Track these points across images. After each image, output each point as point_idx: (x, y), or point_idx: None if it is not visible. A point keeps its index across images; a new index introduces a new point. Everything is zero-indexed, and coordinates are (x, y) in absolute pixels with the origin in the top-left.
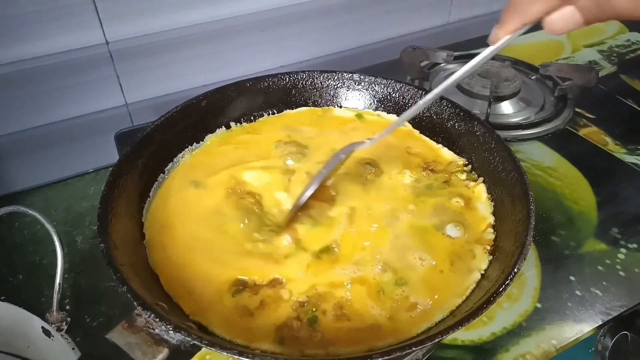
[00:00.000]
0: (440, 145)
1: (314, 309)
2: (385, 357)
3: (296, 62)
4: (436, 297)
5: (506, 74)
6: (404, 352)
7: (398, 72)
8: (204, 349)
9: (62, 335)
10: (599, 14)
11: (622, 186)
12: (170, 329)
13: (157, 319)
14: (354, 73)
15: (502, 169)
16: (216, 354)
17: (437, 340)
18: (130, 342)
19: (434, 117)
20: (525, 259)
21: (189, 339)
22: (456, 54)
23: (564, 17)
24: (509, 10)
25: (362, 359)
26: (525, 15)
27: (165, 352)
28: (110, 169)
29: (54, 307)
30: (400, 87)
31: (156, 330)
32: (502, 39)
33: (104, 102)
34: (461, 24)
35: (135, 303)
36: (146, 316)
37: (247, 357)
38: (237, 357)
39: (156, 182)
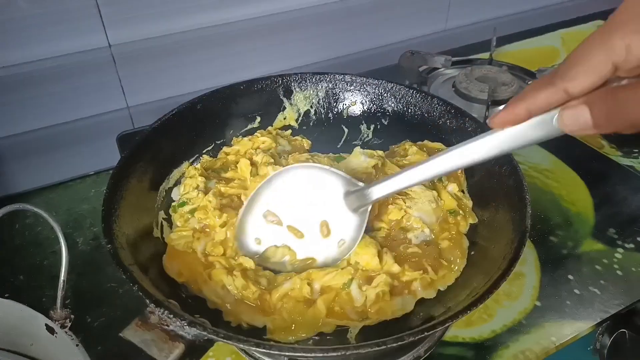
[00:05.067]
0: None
1: None
2: (398, 343)
3: (296, 67)
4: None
5: (503, 78)
6: (417, 337)
7: (397, 76)
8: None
9: (65, 332)
10: (610, 126)
11: (617, 188)
12: (185, 324)
13: (172, 315)
14: (346, 74)
15: (495, 162)
16: (220, 353)
17: (447, 324)
18: (146, 339)
19: (425, 115)
20: (524, 245)
21: (204, 334)
22: (454, 59)
23: (575, 115)
24: (516, 97)
25: (375, 344)
26: (533, 102)
27: (181, 347)
28: (112, 171)
29: (58, 305)
30: (392, 87)
31: (170, 326)
32: (501, 123)
33: (105, 105)
34: (458, 30)
35: (147, 301)
36: (159, 313)
37: (263, 349)
38: (253, 348)
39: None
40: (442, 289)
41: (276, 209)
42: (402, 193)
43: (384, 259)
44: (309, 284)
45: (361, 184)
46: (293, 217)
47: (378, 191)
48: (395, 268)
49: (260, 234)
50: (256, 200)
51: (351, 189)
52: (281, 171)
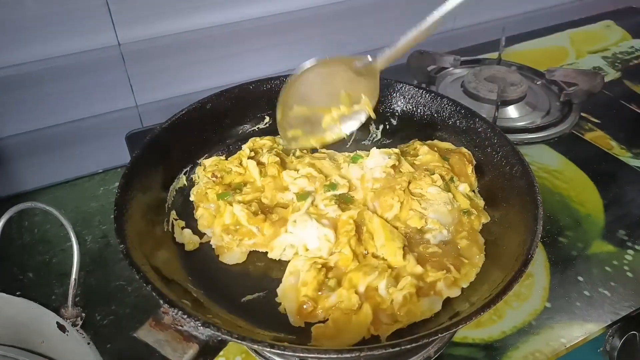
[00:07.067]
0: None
1: None
2: (413, 344)
3: None
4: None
5: (512, 78)
6: (430, 339)
7: (406, 76)
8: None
9: (77, 331)
10: None
11: (627, 189)
12: (199, 324)
13: (186, 316)
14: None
15: (507, 163)
16: (231, 353)
17: (460, 326)
18: (160, 340)
19: (435, 115)
20: (537, 246)
21: (219, 334)
22: (463, 58)
23: None
24: None
25: (390, 346)
26: None
27: (195, 348)
28: (121, 170)
29: (69, 303)
30: (401, 86)
31: (184, 327)
32: None
33: (114, 104)
34: (466, 29)
35: (161, 302)
36: (173, 313)
37: (277, 349)
38: (267, 349)
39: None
40: (464, 286)
41: (302, 102)
42: (417, 195)
43: (407, 257)
44: (356, 292)
45: (369, 58)
46: (318, 100)
47: (382, 61)
48: (418, 269)
49: (296, 125)
50: (283, 103)
51: (359, 64)
52: (295, 76)
